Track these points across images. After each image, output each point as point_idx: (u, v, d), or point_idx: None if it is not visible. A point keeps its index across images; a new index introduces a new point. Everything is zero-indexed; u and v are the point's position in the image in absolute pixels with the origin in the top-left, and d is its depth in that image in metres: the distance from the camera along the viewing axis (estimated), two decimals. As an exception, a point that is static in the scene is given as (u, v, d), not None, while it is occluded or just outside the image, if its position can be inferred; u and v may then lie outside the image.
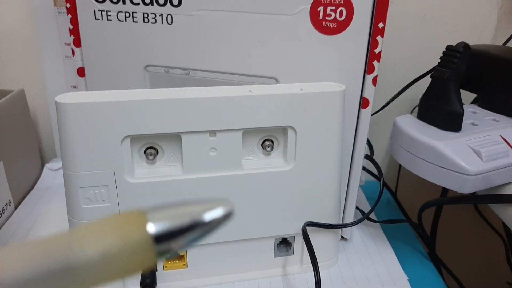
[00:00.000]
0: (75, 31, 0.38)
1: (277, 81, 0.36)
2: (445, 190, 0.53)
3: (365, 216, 0.38)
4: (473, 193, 0.47)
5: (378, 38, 0.34)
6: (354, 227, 0.45)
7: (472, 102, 0.45)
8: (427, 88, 0.36)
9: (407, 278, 0.38)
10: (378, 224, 0.46)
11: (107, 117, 0.30)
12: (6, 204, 0.45)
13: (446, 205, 0.56)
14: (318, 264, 0.34)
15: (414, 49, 0.54)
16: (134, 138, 0.31)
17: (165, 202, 0.16)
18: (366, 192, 0.53)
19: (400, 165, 0.57)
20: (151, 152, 0.32)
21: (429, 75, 0.36)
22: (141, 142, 0.32)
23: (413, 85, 0.48)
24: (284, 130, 0.33)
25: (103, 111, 0.29)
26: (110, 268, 0.14)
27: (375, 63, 0.35)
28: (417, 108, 0.39)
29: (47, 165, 0.55)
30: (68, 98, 0.30)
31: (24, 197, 0.49)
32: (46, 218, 0.44)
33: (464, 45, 0.34)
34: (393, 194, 0.53)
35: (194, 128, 0.31)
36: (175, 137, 0.32)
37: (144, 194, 0.32)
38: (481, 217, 0.57)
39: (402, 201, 0.53)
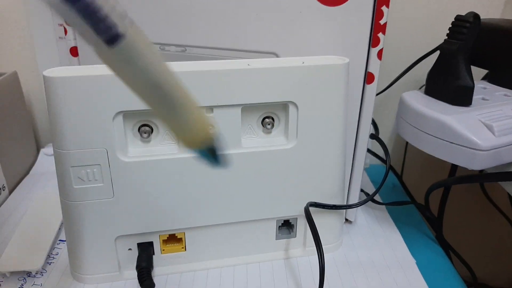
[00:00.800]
0: (66, 8, 0.36)
1: (277, 56, 0.34)
2: (452, 172, 0.52)
3: (370, 197, 0.37)
4: (481, 172, 0.45)
5: (383, 8, 0.32)
6: (358, 210, 0.43)
7: (482, 79, 0.43)
8: (435, 62, 0.35)
9: (415, 261, 0.37)
10: (383, 206, 0.45)
11: (97, 92, 0.28)
12: (0, 189, 0.44)
13: (453, 185, 0.54)
14: (322, 246, 0.32)
15: (419, 27, 0.52)
16: (127, 115, 0.29)
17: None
18: (371, 176, 0.52)
19: (406, 147, 0.55)
20: (145, 129, 0.31)
21: (437, 48, 0.35)
22: (135, 119, 0.30)
23: (419, 64, 0.46)
24: (285, 106, 0.32)
25: (94, 85, 0.28)
26: None
27: (380, 35, 0.33)
28: (423, 87, 0.38)
29: (42, 150, 0.53)
30: (56, 72, 0.28)
31: (18, 183, 0.48)
32: (39, 204, 0.43)
33: (474, 15, 0.33)
34: (398, 177, 0.52)
35: (190, 103, 0.29)
36: (170, 113, 0.30)
37: (139, 174, 0.31)
38: (488, 200, 0.55)
39: (408, 185, 0.51)
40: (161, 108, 0.17)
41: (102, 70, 0.28)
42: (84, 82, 0.28)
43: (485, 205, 0.58)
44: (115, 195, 0.31)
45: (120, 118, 0.29)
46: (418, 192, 0.53)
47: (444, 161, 0.32)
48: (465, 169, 0.33)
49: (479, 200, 0.60)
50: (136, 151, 0.31)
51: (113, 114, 0.29)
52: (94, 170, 0.30)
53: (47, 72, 0.28)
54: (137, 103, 0.29)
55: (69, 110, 0.28)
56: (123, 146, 0.30)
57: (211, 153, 0.19)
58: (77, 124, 0.28)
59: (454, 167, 0.51)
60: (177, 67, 0.29)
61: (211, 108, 0.30)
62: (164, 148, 0.31)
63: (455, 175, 0.51)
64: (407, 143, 0.55)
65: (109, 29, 0.14)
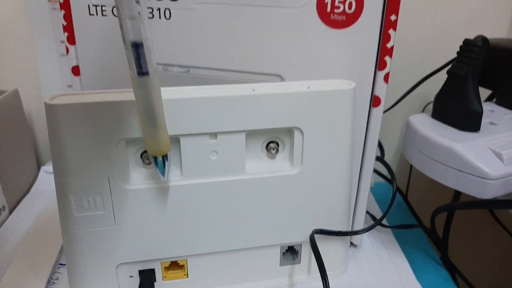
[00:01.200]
0: (69, 28, 0.36)
1: (282, 78, 0.34)
2: (457, 193, 0.51)
3: (377, 222, 0.36)
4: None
5: (391, 31, 0.32)
6: (364, 233, 0.42)
7: (487, 100, 0.43)
8: (443, 85, 0.34)
9: (421, 286, 0.36)
10: (389, 229, 0.44)
11: (100, 119, 0.27)
12: (0, 209, 0.43)
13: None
14: (327, 273, 0.32)
15: (424, 45, 0.52)
16: (129, 142, 0.29)
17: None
18: (376, 194, 0.51)
19: (411, 166, 0.55)
20: (148, 156, 0.30)
21: (446, 71, 0.34)
22: (137, 146, 0.30)
23: (423, 83, 0.45)
24: (290, 131, 0.31)
25: (96, 112, 0.27)
26: None
27: (387, 58, 0.33)
28: (428, 106, 0.37)
29: (43, 168, 0.53)
30: (58, 99, 0.28)
31: (19, 202, 0.47)
32: (40, 224, 0.42)
33: (482, 39, 0.32)
34: (403, 197, 0.51)
35: (194, 130, 0.29)
36: (174, 140, 0.29)
37: (141, 201, 0.30)
38: (496, 220, 0.55)
39: (412, 203, 0.51)
40: (148, 124, 0.26)
41: (104, 96, 0.28)
42: (86, 109, 0.27)
43: (491, 224, 0.57)
44: (116, 223, 0.30)
45: (123, 145, 0.29)
46: (422, 210, 0.52)
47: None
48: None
49: (485, 220, 0.59)
50: (138, 178, 0.30)
51: (116, 141, 0.28)
52: (96, 198, 0.29)
53: (49, 99, 0.28)
54: (140, 130, 0.28)
55: (71, 138, 0.28)
56: (125, 173, 0.29)
57: (162, 163, 0.28)
58: (79, 152, 0.28)
59: (459, 187, 0.51)
60: (181, 92, 0.29)
61: (215, 134, 0.30)
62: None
63: (460, 196, 0.50)
64: (412, 161, 0.54)
65: (144, 67, 0.24)
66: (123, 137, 0.28)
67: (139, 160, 0.30)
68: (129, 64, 0.24)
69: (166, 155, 0.27)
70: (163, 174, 0.28)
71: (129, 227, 0.31)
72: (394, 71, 0.51)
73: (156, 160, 0.27)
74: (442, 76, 0.36)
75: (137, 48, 0.23)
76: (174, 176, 0.30)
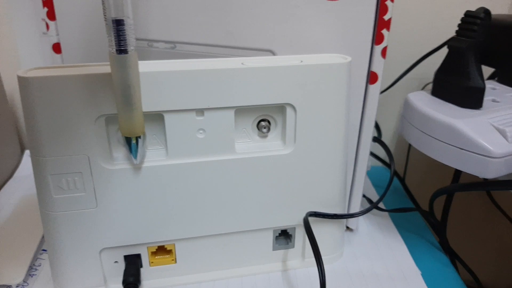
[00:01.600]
0: (48, 2, 0.34)
1: (273, 54, 0.32)
2: (456, 176, 0.50)
3: (373, 205, 0.34)
4: (485, 179, 0.43)
5: (388, 2, 0.30)
6: (360, 217, 0.41)
7: (489, 78, 0.41)
8: (443, 61, 0.32)
9: (420, 273, 0.35)
10: (386, 213, 0.42)
11: (77, 93, 0.26)
12: (-19, 195, 0.42)
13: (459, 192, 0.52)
14: (322, 258, 0.30)
15: (422, 22, 0.50)
16: (109, 118, 0.27)
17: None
18: (372, 178, 0.50)
19: (408, 149, 0.53)
20: (131, 134, 0.28)
21: (445, 46, 0.32)
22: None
23: (421, 62, 0.44)
24: (282, 108, 0.29)
25: (73, 86, 0.25)
26: None
27: (384, 31, 0.31)
28: (427, 87, 0.35)
29: (26, 152, 0.51)
30: (33, 72, 0.26)
31: (1, 187, 0.45)
32: (21, 210, 0.40)
33: (485, 10, 0.30)
34: (401, 180, 0.50)
35: (179, 106, 0.27)
36: (158, 117, 0.28)
37: (124, 182, 0.28)
38: (494, 204, 0.53)
39: (410, 187, 0.49)
40: (123, 103, 0.25)
41: (82, 69, 0.26)
42: (62, 82, 0.25)
43: (489, 207, 0.56)
44: (98, 205, 0.29)
45: (102, 121, 0.27)
46: (420, 194, 0.51)
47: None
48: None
49: (483, 203, 0.58)
50: (120, 157, 0.28)
51: (94, 117, 0.26)
52: (75, 178, 0.28)
53: (22, 72, 0.26)
54: (121, 106, 0.26)
55: (46, 113, 0.26)
56: (105, 152, 0.28)
57: (136, 145, 0.26)
58: (55, 128, 0.26)
59: (458, 171, 0.49)
60: (165, 65, 0.27)
61: (201, 111, 0.28)
62: (151, 154, 0.29)
63: (459, 179, 0.49)
64: (410, 144, 0.53)
65: (123, 45, 0.23)
66: (102, 113, 0.26)
67: (121, 138, 0.28)
68: (108, 40, 0.23)
69: (140, 137, 0.26)
70: (135, 156, 0.27)
71: (112, 210, 0.29)
72: (391, 49, 0.50)
73: (130, 141, 0.26)
74: (441, 56, 0.34)
75: (118, 24, 0.22)
76: (159, 156, 0.29)
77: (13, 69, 0.50)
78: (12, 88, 0.51)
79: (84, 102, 0.26)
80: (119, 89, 0.24)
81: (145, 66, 0.26)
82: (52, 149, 0.27)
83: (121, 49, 0.23)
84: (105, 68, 0.26)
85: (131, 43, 0.23)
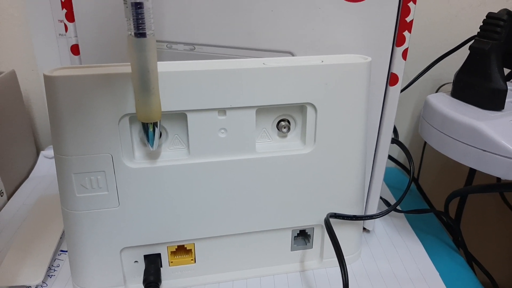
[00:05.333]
0: (67, 4, 0.34)
1: (293, 56, 0.32)
2: (470, 176, 0.49)
3: (392, 207, 0.34)
4: (499, 179, 0.43)
5: (410, 4, 0.30)
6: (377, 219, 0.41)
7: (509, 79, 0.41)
8: (464, 62, 0.32)
9: (439, 274, 0.34)
10: (401, 214, 0.42)
11: (102, 93, 0.26)
12: (-2, 194, 0.42)
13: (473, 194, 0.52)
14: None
15: (438, 24, 0.50)
16: (133, 117, 0.27)
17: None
18: (386, 180, 0.49)
19: (423, 150, 0.53)
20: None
21: (461, 51, 0.32)
22: (142, 122, 0.28)
23: (437, 64, 0.44)
24: (302, 108, 0.30)
25: (98, 85, 0.26)
26: None
27: (406, 33, 0.31)
28: (443, 88, 0.35)
29: (42, 153, 0.51)
30: (58, 71, 0.26)
31: (17, 187, 0.46)
32: (39, 210, 0.40)
33: (508, 12, 0.30)
34: (415, 181, 0.49)
35: (201, 105, 0.27)
36: (180, 116, 0.28)
37: (146, 181, 0.28)
38: (507, 205, 0.53)
39: (424, 188, 0.49)
40: (141, 88, 0.25)
41: (106, 69, 0.26)
42: (88, 82, 0.25)
43: (502, 209, 0.56)
44: (120, 204, 0.29)
45: (126, 121, 0.27)
46: (434, 195, 0.51)
47: (461, 165, 0.30)
48: (483, 173, 0.31)
49: (496, 204, 0.58)
50: (143, 156, 0.28)
51: (119, 116, 0.27)
52: (98, 177, 0.28)
53: (48, 72, 0.26)
54: (145, 105, 0.26)
55: (71, 113, 0.26)
56: (129, 151, 0.28)
57: (152, 132, 0.26)
58: (79, 127, 0.26)
59: (472, 171, 0.49)
60: (188, 66, 0.27)
61: (224, 110, 0.28)
62: (173, 153, 0.29)
63: (473, 180, 0.49)
64: (424, 146, 0.52)
65: (142, 28, 0.23)
66: (126, 112, 0.26)
67: (144, 137, 0.28)
68: (127, 24, 0.23)
69: (157, 123, 0.26)
70: (151, 143, 0.27)
71: (134, 209, 0.29)
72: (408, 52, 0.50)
73: (147, 127, 0.26)
74: (457, 57, 0.34)
75: (137, 7, 0.23)
76: (181, 155, 0.29)
77: (29, 70, 0.51)
78: (27, 89, 0.52)
79: (108, 101, 0.26)
80: (137, 73, 0.24)
81: (167, 66, 0.27)
82: (76, 148, 0.27)
83: (140, 33, 0.23)
84: (128, 68, 0.26)
85: (150, 27, 0.23)
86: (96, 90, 0.26)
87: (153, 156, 0.29)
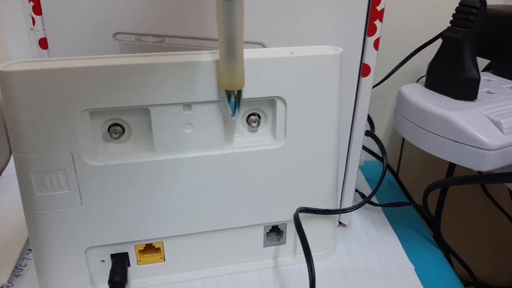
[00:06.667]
0: (34, -4, 0.33)
1: (264, 46, 0.31)
2: (451, 169, 0.49)
3: (366, 200, 0.34)
4: (479, 172, 0.42)
5: (381, -8, 0.29)
6: (353, 212, 0.40)
7: (484, 70, 0.40)
8: (437, 52, 0.32)
9: (413, 267, 0.34)
10: (379, 208, 0.42)
11: (60, 87, 0.25)
12: (-34, 193, 0.41)
13: (453, 185, 0.52)
14: (314, 254, 0.29)
15: (417, 13, 0.49)
16: (94, 113, 0.26)
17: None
18: (366, 173, 0.49)
19: (402, 144, 0.53)
20: (116, 129, 0.27)
21: (440, 37, 0.32)
22: (103, 118, 0.27)
23: (416, 56, 0.43)
24: (272, 102, 0.29)
25: (55, 80, 0.24)
26: None
27: (377, 22, 0.30)
28: (421, 80, 0.35)
29: (14, 150, 0.50)
30: (13, 66, 0.25)
31: (-12, 185, 0.45)
32: (8, 209, 0.39)
33: (480, 0, 0.30)
34: (395, 175, 0.49)
35: (165, 100, 0.26)
36: (144, 111, 0.27)
37: (109, 179, 0.27)
38: (489, 197, 0.53)
39: (404, 182, 0.49)
40: (227, 54, 0.24)
41: (65, 63, 0.25)
42: (45, 76, 0.24)
43: (484, 202, 0.56)
44: (83, 203, 0.28)
45: (86, 116, 0.26)
46: (415, 189, 0.51)
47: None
48: (464, 167, 0.31)
49: (478, 197, 0.58)
50: (105, 153, 0.27)
51: (78, 112, 0.25)
52: (59, 175, 0.27)
53: (3, 66, 0.25)
54: (105, 99, 0.26)
55: (27, 109, 0.25)
56: (90, 148, 0.27)
57: (236, 100, 0.26)
58: (37, 124, 0.25)
59: (453, 164, 0.49)
60: (149, 58, 0.26)
61: (189, 105, 0.27)
62: (138, 150, 0.28)
63: (454, 173, 0.49)
64: (403, 139, 0.52)
65: None
66: (86, 107, 0.25)
67: (106, 134, 0.27)
68: None
69: (240, 91, 0.26)
70: (233, 111, 0.26)
71: (97, 207, 0.28)
72: (385, 42, 0.49)
73: (229, 94, 0.26)
74: (436, 48, 0.34)
75: None
76: (146, 152, 0.28)
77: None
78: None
79: (67, 96, 0.25)
80: (224, 38, 0.24)
81: (129, 59, 0.26)
82: (34, 145, 0.26)
83: None
84: (89, 61, 0.25)
85: None
86: (53, 85, 0.25)
87: (116, 153, 0.28)
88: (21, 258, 0.34)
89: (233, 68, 0.25)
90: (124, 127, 0.28)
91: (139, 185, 0.28)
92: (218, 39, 0.24)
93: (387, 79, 0.46)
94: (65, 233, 0.28)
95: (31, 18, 0.39)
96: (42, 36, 0.34)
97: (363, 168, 0.49)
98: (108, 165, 0.27)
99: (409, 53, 0.42)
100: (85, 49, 0.34)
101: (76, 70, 0.25)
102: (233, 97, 0.26)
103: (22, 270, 0.33)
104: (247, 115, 0.29)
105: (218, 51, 0.27)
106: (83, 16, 0.32)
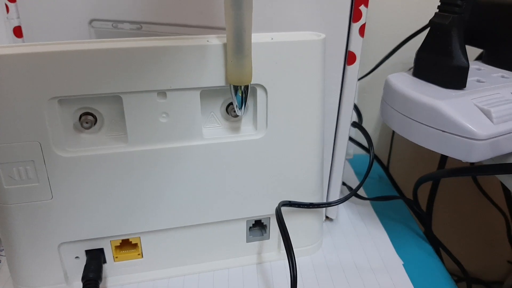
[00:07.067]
0: (6, -18, 0.31)
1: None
2: (442, 162, 0.48)
3: (352, 193, 0.33)
4: (472, 163, 0.41)
5: (366, -25, 0.28)
6: (341, 206, 0.39)
7: (475, 60, 0.39)
8: (425, 39, 0.30)
9: (402, 263, 0.33)
10: (368, 202, 0.41)
11: (25, 73, 0.23)
12: None
13: (444, 178, 0.51)
14: (299, 249, 0.29)
15: (404, 3, 0.48)
16: (63, 101, 0.25)
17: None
18: (356, 168, 0.48)
19: (392, 136, 0.51)
20: (87, 119, 0.26)
21: (427, 23, 0.30)
22: (74, 106, 0.26)
23: (407, 44, 0.42)
24: (252, 90, 0.27)
25: (21, 65, 0.23)
26: None
27: (362, 8, 0.29)
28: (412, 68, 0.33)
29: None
30: (-24, 51, 0.23)
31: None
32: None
33: (469, -16, 0.28)
34: (385, 169, 0.48)
35: (138, 87, 0.25)
36: (116, 99, 0.25)
37: (81, 171, 0.26)
38: (481, 191, 0.52)
39: (395, 176, 0.48)
40: (235, 49, 0.24)
41: (31, 48, 0.24)
42: (9, 61, 0.23)
43: (476, 196, 0.55)
44: (54, 196, 0.26)
45: (55, 104, 0.25)
46: (406, 183, 0.50)
47: (433, 150, 0.29)
48: (457, 159, 0.30)
49: (470, 191, 0.57)
50: (76, 144, 0.26)
51: (46, 100, 0.24)
52: (27, 167, 0.25)
53: (-36, 51, 0.23)
54: (74, 86, 0.24)
55: (-10, 96, 0.23)
56: (60, 138, 0.25)
57: (243, 94, 0.26)
58: (2, 112, 0.24)
59: (444, 157, 0.48)
60: (122, 43, 0.25)
61: (164, 93, 0.26)
62: (110, 141, 0.27)
63: (446, 166, 0.48)
64: (393, 132, 0.51)
65: None
66: (54, 95, 0.24)
67: (77, 123, 0.26)
68: None
69: (247, 87, 0.25)
70: (240, 107, 0.26)
71: (69, 201, 0.27)
72: (373, 32, 0.48)
73: (236, 90, 0.25)
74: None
75: None
76: (119, 142, 0.27)
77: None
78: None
79: (33, 83, 0.24)
80: (232, 33, 0.23)
81: (99, 44, 0.24)
82: (0, 135, 0.24)
83: None
84: (56, 46, 0.24)
85: None
86: (18, 71, 0.23)
87: (87, 144, 0.26)
88: (-5, 255, 0.33)
89: (242, 63, 0.24)
90: (96, 116, 0.26)
91: (113, 178, 0.27)
92: (226, 33, 0.24)
93: (375, 71, 0.44)
94: (36, 228, 0.27)
95: (5, 5, 0.38)
96: (16, 24, 0.33)
97: (352, 161, 0.48)
98: (80, 156, 0.26)
99: (398, 42, 0.41)
100: (60, 37, 0.32)
101: (42, 55, 0.23)
102: (240, 92, 0.25)
103: (-5, 267, 0.32)
104: (226, 104, 0.28)
105: (196, 36, 0.26)
106: (58, 3, 0.31)
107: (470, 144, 0.26)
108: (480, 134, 0.26)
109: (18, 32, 0.33)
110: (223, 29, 0.30)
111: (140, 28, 0.32)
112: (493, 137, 0.26)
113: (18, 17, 0.32)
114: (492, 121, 0.27)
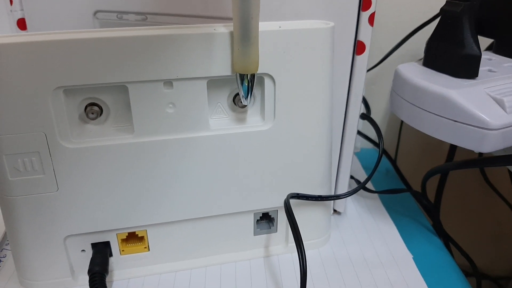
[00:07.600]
0: (10, -27, 0.31)
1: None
2: (451, 155, 0.47)
3: (361, 186, 0.32)
4: (480, 155, 0.41)
5: (376, -37, 0.27)
6: (348, 199, 0.39)
7: (485, 50, 0.39)
8: (436, 28, 0.30)
9: (412, 256, 0.32)
10: (376, 195, 0.40)
11: (30, 63, 0.23)
12: None
13: (452, 171, 0.50)
14: (307, 243, 0.28)
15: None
16: (68, 91, 0.24)
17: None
18: (363, 161, 0.47)
19: (400, 128, 0.51)
20: (93, 109, 0.26)
21: (439, 12, 0.30)
22: (79, 96, 0.25)
23: (416, 34, 0.41)
24: (260, 79, 0.27)
25: (25, 54, 0.23)
26: None
27: (371, -4, 0.28)
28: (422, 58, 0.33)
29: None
30: (-20, 41, 0.23)
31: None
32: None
33: (481, -29, 0.28)
34: (392, 162, 0.47)
35: (144, 76, 0.25)
36: (122, 89, 0.25)
37: (87, 162, 0.26)
38: (488, 184, 0.51)
39: (402, 169, 0.47)
40: (241, 37, 0.24)
41: (36, 37, 0.23)
42: (13, 50, 0.23)
43: (484, 189, 0.54)
44: (59, 188, 0.26)
45: (60, 94, 0.24)
46: (413, 177, 0.49)
47: (442, 143, 0.28)
48: (465, 151, 0.29)
49: (478, 185, 0.56)
50: (81, 135, 0.26)
51: (51, 90, 0.24)
52: (33, 158, 0.25)
53: (-33, 41, 0.23)
54: (80, 76, 0.24)
55: (-5, 86, 0.23)
56: (65, 129, 0.25)
57: (249, 83, 0.25)
58: (6, 103, 0.23)
59: (452, 149, 0.47)
60: (128, 32, 0.24)
61: (170, 82, 0.25)
62: (116, 132, 0.26)
63: (454, 158, 0.47)
64: (401, 124, 0.50)
65: None
66: (59, 84, 0.24)
67: (83, 114, 0.26)
68: None
69: (254, 75, 0.25)
70: (246, 96, 0.26)
71: (75, 193, 0.26)
72: (382, 22, 0.47)
73: (243, 78, 0.25)
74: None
75: None
76: (125, 133, 0.26)
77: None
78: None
79: (38, 73, 0.23)
80: (239, 20, 0.23)
81: (105, 33, 0.24)
82: (5, 126, 0.24)
83: None
84: (61, 35, 0.23)
85: None
86: (23, 61, 0.23)
87: (93, 134, 0.26)
88: (0, 249, 0.33)
89: (248, 51, 0.24)
90: (102, 107, 0.26)
91: (119, 169, 0.26)
92: (232, 21, 0.24)
93: (384, 62, 0.44)
94: (41, 220, 0.27)
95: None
96: (20, 17, 0.32)
97: (360, 155, 0.48)
98: (85, 147, 0.25)
99: (407, 32, 0.40)
100: (64, 29, 0.32)
101: (47, 44, 0.23)
102: (246, 81, 0.25)
103: (0, 261, 0.32)
104: (234, 94, 0.28)
105: (203, 25, 0.26)
106: (64, -6, 0.30)
107: (482, 134, 0.26)
108: (493, 123, 0.25)
109: (22, 24, 0.33)
110: (230, 19, 0.29)
111: (145, 19, 0.32)
112: (506, 127, 0.26)
113: (22, 9, 0.32)
114: (505, 111, 0.26)
